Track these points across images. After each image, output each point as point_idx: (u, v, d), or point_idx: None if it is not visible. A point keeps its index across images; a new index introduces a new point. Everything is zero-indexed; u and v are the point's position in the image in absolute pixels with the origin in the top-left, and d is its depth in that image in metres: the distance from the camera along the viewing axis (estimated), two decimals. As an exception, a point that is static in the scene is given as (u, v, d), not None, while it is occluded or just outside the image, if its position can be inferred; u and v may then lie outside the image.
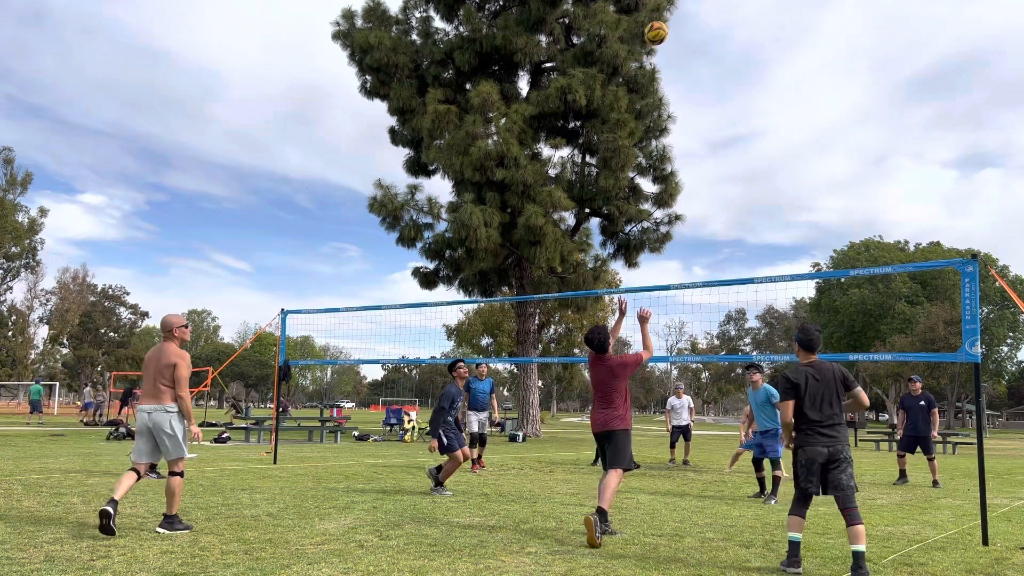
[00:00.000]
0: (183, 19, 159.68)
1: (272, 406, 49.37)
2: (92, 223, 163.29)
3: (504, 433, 27.77)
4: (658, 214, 28.62)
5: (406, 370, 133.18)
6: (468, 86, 27.77)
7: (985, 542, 6.53)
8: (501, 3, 28.38)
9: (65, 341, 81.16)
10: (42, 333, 76.82)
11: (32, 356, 72.27)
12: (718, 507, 8.74)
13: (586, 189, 27.51)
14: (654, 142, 28.50)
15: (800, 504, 5.39)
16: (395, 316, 12.62)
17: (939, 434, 23.90)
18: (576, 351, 49.95)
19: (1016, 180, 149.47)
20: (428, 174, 29.49)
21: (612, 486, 6.42)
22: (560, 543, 6.14)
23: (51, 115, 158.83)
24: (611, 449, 6.61)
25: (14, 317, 68.77)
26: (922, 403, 12.51)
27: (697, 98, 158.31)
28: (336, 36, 28.52)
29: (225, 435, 19.36)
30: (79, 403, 62.70)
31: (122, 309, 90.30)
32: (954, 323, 58.78)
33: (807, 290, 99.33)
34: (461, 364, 9.81)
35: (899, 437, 12.78)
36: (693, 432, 17.07)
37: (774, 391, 9.87)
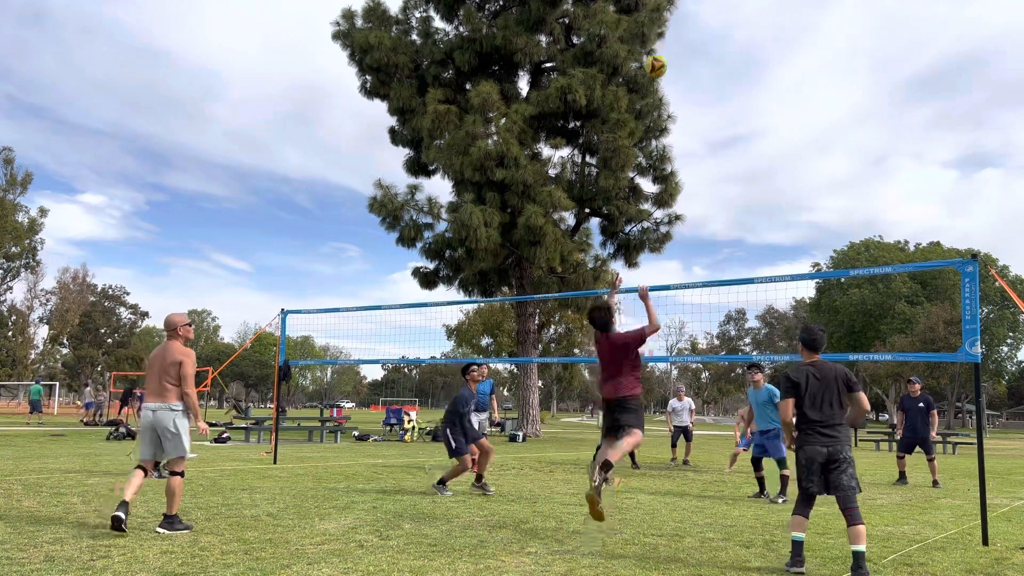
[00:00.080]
0: (183, 19, 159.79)
1: (272, 406, 49.35)
2: (92, 223, 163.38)
3: (504, 433, 27.77)
4: (658, 214, 28.64)
5: (406, 370, 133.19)
6: (468, 86, 27.76)
7: (985, 542, 6.53)
8: (501, 3, 28.38)
9: (65, 341, 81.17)
10: (42, 333, 76.92)
11: (32, 356, 72.28)
12: (718, 507, 8.74)
13: (586, 189, 27.51)
14: (654, 142, 28.51)
15: (803, 504, 5.39)
16: (395, 316, 12.63)
17: (939, 434, 23.91)
18: (576, 351, 49.96)
19: (1016, 180, 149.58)
20: (428, 174, 29.50)
21: (626, 446, 6.25)
22: (560, 543, 6.14)
23: (51, 115, 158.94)
24: (626, 416, 6.42)
25: (14, 317, 68.77)
26: (921, 404, 12.52)
27: (697, 98, 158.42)
28: (336, 36, 28.52)
29: (225, 435, 19.36)
30: (79, 403, 62.78)
31: (122, 309, 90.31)
32: (954, 323, 58.77)
33: (807, 290, 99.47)
34: (475, 367, 9.67)
35: (899, 438, 12.80)
36: (693, 432, 17.06)
37: (776, 391, 9.87)
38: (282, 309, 13.47)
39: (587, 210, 28.54)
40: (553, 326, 47.86)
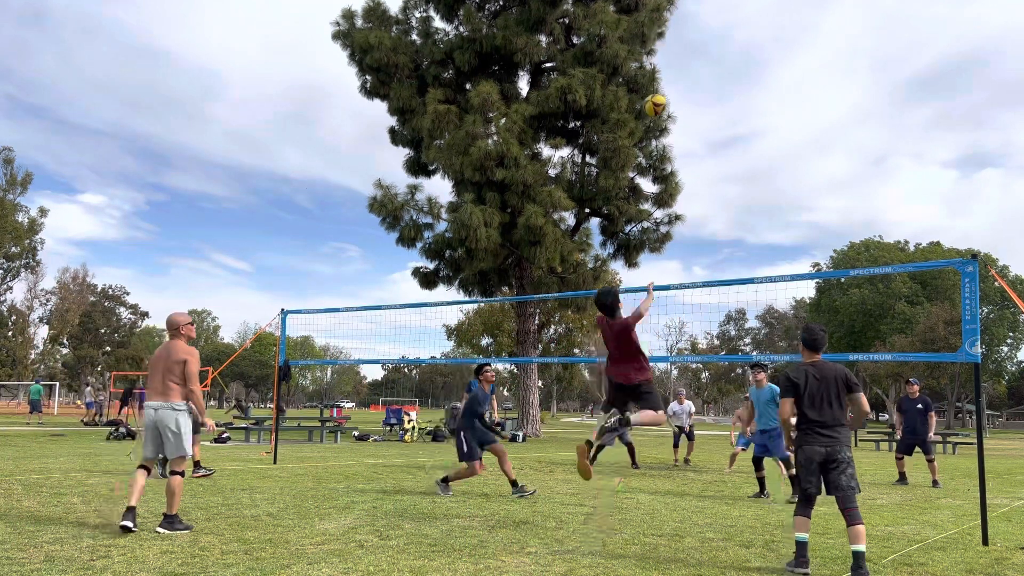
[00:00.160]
0: (183, 19, 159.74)
1: (272, 406, 49.37)
2: (92, 223, 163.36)
3: (504, 433, 27.78)
4: (658, 214, 28.64)
5: (406, 370, 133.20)
6: (468, 86, 27.77)
7: (985, 542, 6.53)
8: (501, 3, 28.38)
9: (65, 341, 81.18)
10: (42, 333, 76.93)
11: (32, 356, 72.30)
12: (718, 507, 8.75)
13: (586, 189, 27.51)
14: (654, 142, 28.51)
15: (804, 505, 5.40)
16: (395, 316, 12.63)
17: (939, 434, 23.91)
18: (576, 351, 49.97)
19: (1016, 180, 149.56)
20: (428, 174, 29.49)
21: (648, 417, 6.14)
22: (560, 543, 6.14)
23: (51, 115, 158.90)
24: (642, 400, 6.30)
25: (14, 317, 68.78)
26: (920, 406, 12.53)
27: (697, 98, 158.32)
28: (336, 36, 28.52)
29: (225, 435, 19.38)
30: (79, 403, 62.77)
31: (122, 309, 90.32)
32: (954, 323, 58.77)
33: (807, 290, 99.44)
34: (488, 367, 9.57)
35: (898, 439, 12.80)
36: (695, 432, 17.08)
37: (779, 390, 9.89)
38: (282, 309, 13.48)
39: (587, 210, 28.54)
40: (553, 326, 47.90)
